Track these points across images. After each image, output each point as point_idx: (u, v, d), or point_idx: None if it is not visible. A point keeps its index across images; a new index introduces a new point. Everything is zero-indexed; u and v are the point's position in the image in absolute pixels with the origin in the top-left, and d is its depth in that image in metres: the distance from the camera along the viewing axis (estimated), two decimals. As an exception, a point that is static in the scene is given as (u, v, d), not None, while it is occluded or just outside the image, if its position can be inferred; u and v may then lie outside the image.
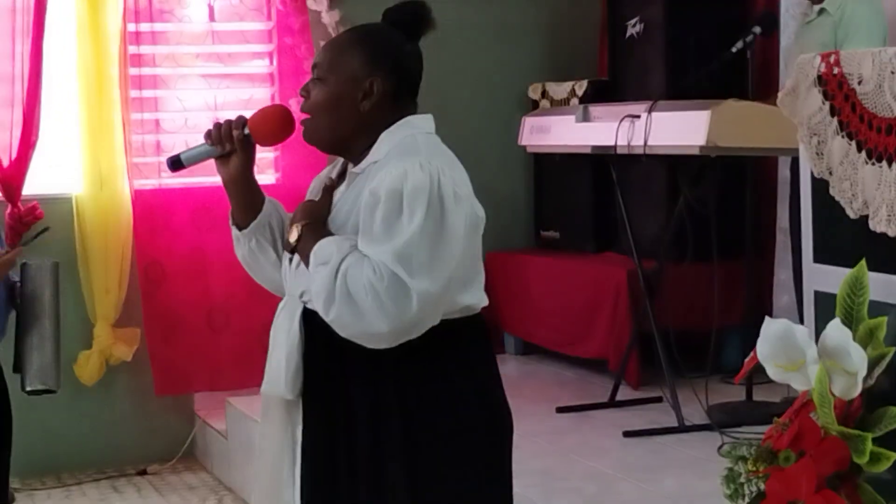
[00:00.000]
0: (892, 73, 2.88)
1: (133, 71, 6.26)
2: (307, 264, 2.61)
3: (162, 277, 6.24)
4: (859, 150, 2.98)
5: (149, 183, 6.31)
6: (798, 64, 3.20)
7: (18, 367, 4.00)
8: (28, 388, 4.01)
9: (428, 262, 2.51)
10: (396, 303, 2.48)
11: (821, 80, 3.11)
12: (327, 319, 2.55)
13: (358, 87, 2.65)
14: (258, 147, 2.80)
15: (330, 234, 2.63)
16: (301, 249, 2.64)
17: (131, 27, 6.24)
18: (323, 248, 2.58)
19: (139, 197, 6.22)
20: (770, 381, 2.91)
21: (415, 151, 2.60)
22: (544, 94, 6.86)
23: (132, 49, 6.26)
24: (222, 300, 6.28)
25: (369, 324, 2.50)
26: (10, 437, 4.03)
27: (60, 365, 4.08)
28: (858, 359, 2.79)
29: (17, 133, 6.02)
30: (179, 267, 6.26)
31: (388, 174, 2.55)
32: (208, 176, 6.02)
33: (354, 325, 2.52)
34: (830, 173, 3.09)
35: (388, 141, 2.66)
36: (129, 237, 6.21)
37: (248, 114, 2.81)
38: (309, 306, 2.66)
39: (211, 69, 6.48)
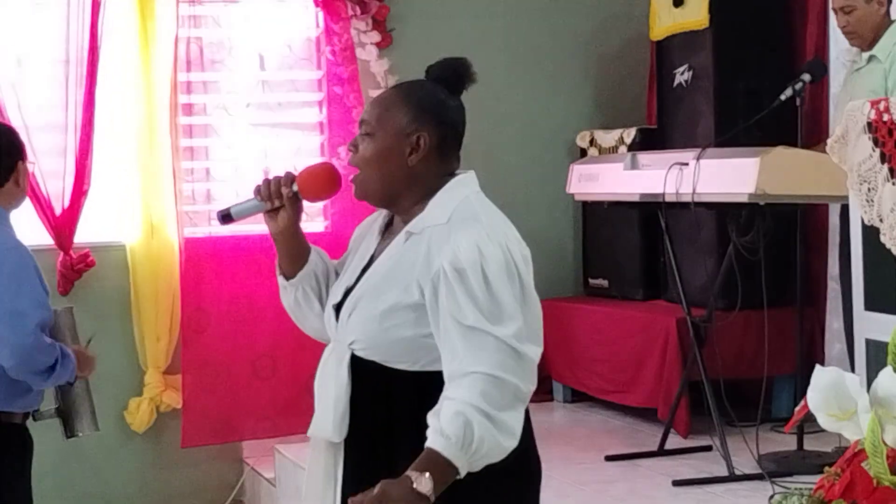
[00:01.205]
0: (943, 119, 2.87)
1: (184, 120, 6.33)
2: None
3: (207, 325, 6.24)
4: (910, 197, 2.97)
5: (199, 231, 6.35)
6: (847, 111, 3.19)
7: (60, 414, 4.05)
8: (80, 434, 4.06)
9: (528, 329, 2.60)
10: (529, 375, 2.60)
11: (871, 126, 3.10)
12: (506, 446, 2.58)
13: (405, 141, 2.71)
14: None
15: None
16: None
17: (182, 77, 6.30)
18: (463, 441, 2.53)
19: (189, 245, 6.26)
20: (822, 431, 2.88)
21: (476, 218, 2.66)
22: (592, 141, 6.86)
23: (183, 98, 6.32)
24: (270, 348, 6.27)
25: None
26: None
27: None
28: (910, 408, 2.76)
29: (70, 181, 6.08)
30: (227, 315, 6.26)
31: (460, 248, 2.60)
32: (258, 224, 6.08)
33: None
34: (881, 220, 3.07)
35: (446, 203, 2.70)
36: (179, 285, 6.24)
37: (297, 165, 2.86)
38: (359, 354, 2.70)
39: (261, 118, 6.53)
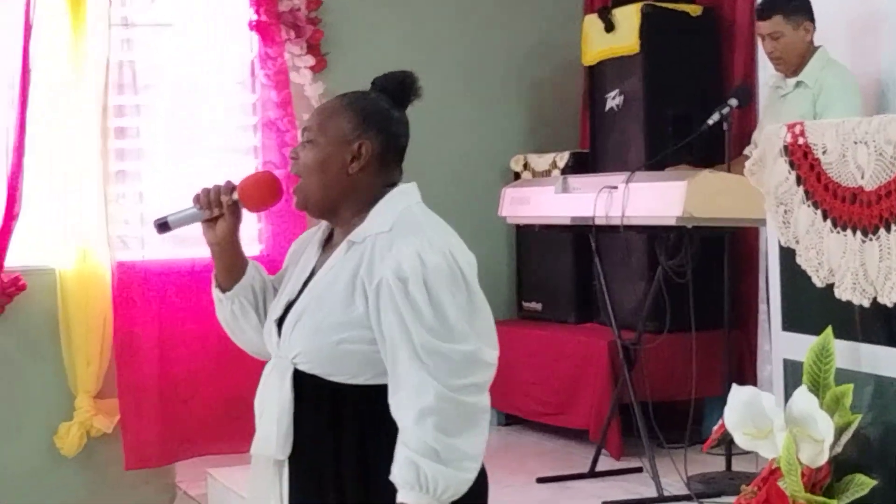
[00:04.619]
0: (855, 143, 2.92)
1: (116, 144, 6.29)
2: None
3: (138, 349, 6.20)
4: (824, 218, 3.02)
5: (130, 255, 6.30)
6: (765, 135, 3.24)
7: None
8: None
9: (479, 336, 2.67)
10: (485, 385, 2.69)
11: (787, 150, 3.15)
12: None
13: (347, 149, 2.70)
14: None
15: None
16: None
17: (115, 100, 6.27)
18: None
19: (120, 269, 6.20)
20: (750, 451, 2.93)
21: (419, 227, 2.66)
22: (526, 165, 6.90)
23: (116, 122, 6.29)
24: (203, 370, 6.23)
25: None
26: None
27: None
28: (825, 426, 2.80)
29: (1, 205, 6.02)
30: (156, 338, 6.21)
31: (402, 257, 2.59)
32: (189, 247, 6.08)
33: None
34: (797, 242, 3.12)
35: (388, 212, 2.69)
36: (110, 309, 6.19)
37: (235, 180, 2.84)
38: (302, 368, 2.69)
39: (194, 141, 6.49)
